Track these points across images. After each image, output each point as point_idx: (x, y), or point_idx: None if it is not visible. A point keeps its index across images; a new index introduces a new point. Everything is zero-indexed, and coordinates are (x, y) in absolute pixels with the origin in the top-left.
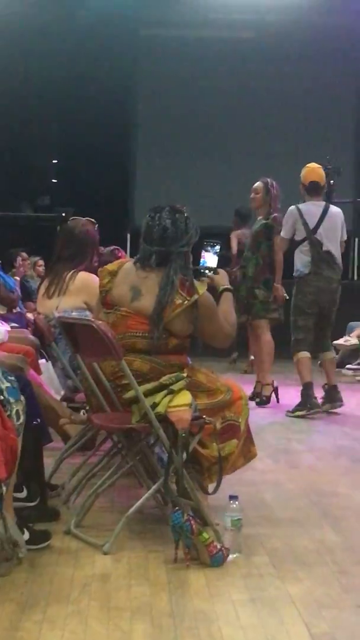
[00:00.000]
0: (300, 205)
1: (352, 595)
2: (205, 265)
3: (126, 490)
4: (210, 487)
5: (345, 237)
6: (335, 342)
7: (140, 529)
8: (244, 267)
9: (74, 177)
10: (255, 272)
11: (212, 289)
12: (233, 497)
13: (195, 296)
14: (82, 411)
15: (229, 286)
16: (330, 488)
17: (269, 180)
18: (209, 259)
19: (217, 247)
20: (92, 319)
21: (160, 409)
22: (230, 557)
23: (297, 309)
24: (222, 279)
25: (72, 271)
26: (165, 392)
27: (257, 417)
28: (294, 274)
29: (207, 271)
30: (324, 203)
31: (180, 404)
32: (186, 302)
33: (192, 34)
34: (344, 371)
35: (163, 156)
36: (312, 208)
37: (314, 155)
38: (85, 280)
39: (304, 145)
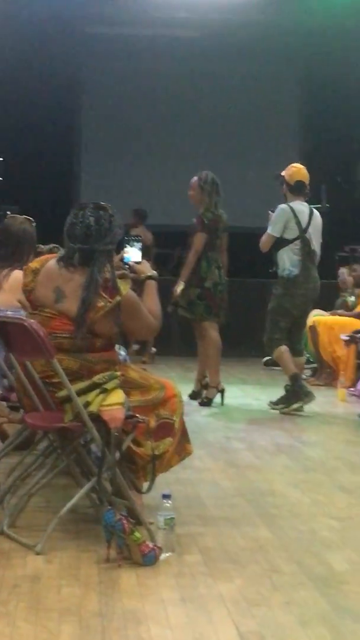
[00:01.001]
0: (292, 204)
1: (282, 592)
2: (130, 260)
3: (63, 489)
4: (145, 485)
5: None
6: None
7: (74, 529)
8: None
9: (19, 175)
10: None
11: (137, 281)
12: (166, 496)
13: (118, 298)
14: (21, 410)
15: (152, 273)
16: (267, 486)
17: (204, 174)
18: (133, 253)
19: (139, 244)
20: (24, 318)
21: (93, 407)
22: (163, 556)
23: (281, 310)
24: (145, 267)
25: (8, 269)
26: (98, 390)
27: (198, 416)
28: (281, 274)
29: (130, 263)
30: (306, 204)
31: (113, 403)
32: (108, 304)
33: (136, 32)
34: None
35: (108, 155)
36: (302, 208)
37: (260, 152)
38: (19, 279)
39: (248, 143)
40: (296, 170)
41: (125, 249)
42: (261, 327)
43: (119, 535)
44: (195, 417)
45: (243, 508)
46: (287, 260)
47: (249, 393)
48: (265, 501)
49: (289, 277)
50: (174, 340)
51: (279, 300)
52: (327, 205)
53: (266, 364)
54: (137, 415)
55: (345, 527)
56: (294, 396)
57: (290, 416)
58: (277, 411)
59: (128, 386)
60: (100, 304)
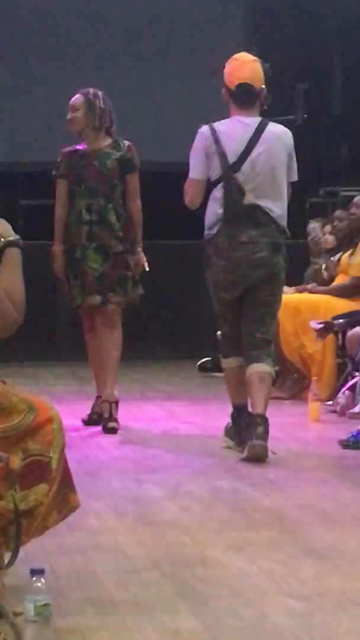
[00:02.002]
0: (218, 124)
1: None
2: None
3: None
4: (6, 557)
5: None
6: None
7: None
8: (84, 222)
9: None
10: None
11: None
12: (36, 572)
13: None
14: None
15: (14, 237)
16: (196, 553)
17: (91, 90)
18: None
19: None
20: None
21: None
22: None
23: (210, 291)
24: (3, 230)
25: None
26: None
27: (96, 449)
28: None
29: None
30: (255, 118)
31: None
32: None
33: None
34: None
35: None
36: (236, 127)
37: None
38: None
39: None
40: (237, 66)
41: None
42: (193, 314)
43: None
44: (89, 450)
45: (159, 586)
46: (208, 214)
47: (175, 413)
48: (192, 575)
49: (207, 240)
50: (61, 338)
51: (207, 277)
52: (304, 115)
53: (202, 367)
54: None
55: (310, 610)
56: (232, 432)
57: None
58: (217, 440)
59: None
60: None
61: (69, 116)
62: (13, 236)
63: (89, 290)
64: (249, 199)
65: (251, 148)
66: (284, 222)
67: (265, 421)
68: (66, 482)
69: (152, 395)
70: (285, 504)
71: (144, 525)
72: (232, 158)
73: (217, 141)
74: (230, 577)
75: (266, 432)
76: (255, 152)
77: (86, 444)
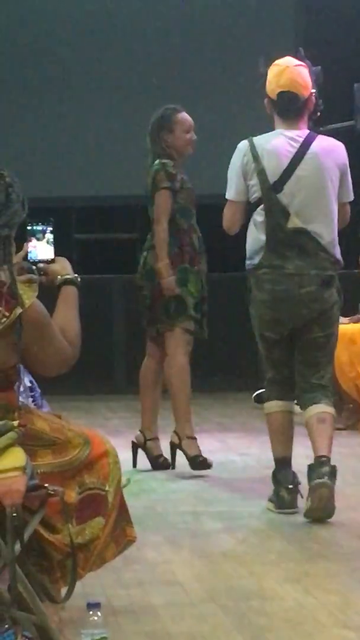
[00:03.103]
0: (258, 139)
1: None
2: (37, 259)
3: None
4: (63, 591)
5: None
6: None
7: None
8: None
9: None
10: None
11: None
12: (93, 605)
13: (18, 310)
14: None
15: (72, 276)
16: (253, 585)
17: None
18: (42, 249)
19: (49, 229)
20: None
21: None
22: None
23: (254, 328)
24: (62, 267)
25: None
26: None
27: (152, 483)
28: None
29: (40, 265)
30: (302, 131)
31: (8, 468)
32: (4, 319)
33: None
34: None
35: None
36: (277, 142)
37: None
38: None
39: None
40: (278, 72)
41: (31, 242)
42: (248, 345)
43: None
44: (146, 484)
45: (216, 619)
46: (249, 242)
47: (231, 445)
48: (249, 607)
49: (249, 270)
50: (116, 371)
51: (250, 313)
52: None
53: (258, 398)
54: (47, 485)
55: None
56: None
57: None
58: None
59: (33, 442)
60: None
61: (193, 136)
62: (71, 274)
63: (146, 322)
64: (295, 222)
65: (296, 165)
66: (335, 250)
67: (329, 462)
68: (123, 515)
69: (208, 427)
70: (342, 535)
71: (200, 557)
72: (273, 176)
73: (256, 157)
74: (287, 609)
75: (333, 474)
76: (300, 169)
77: (142, 477)
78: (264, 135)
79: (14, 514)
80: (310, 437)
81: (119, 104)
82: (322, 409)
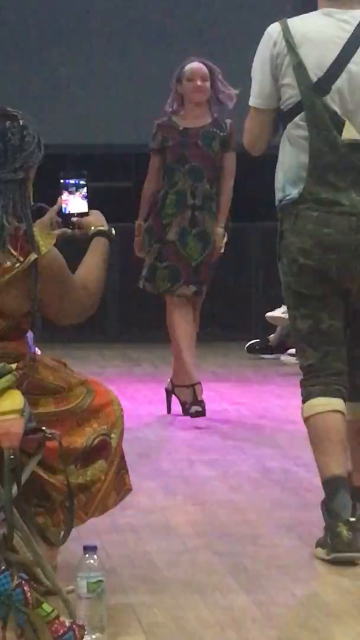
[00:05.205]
0: (294, 20)
1: None
2: (70, 212)
3: None
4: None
5: None
6: (269, 313)
7: None
8: (188, 205)
9: None
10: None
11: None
12: (89, 549)
13: (33, 256)
14: None
15: (105, 228)
16: (248, 532)
17: (205, 61)
18: (74, 203)
19: (83, 182)
20: None
21: None
22: (87, 638)
23: (284, 285)
24: (96, 220)
25: None
26: None
27: (146, 430)
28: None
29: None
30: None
31: (6, 411)
32: (18, 265)
33: None
34: (283, 358)
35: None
36: (323, 25)
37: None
38: None
39: None
40: None
41: (63, 196)
42: (243, 296)
43: (19, 608)
44: (139, 432)
45: (210, 565)
46: (282, 167)
47: (225, 395)
48: (244, 554)
49: (282, 207)
50: (110, 319)
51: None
52: None
53: (250, 349)
54: (44, 428)
55: None
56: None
57: (287, 427)
58: (267, 421)
59: (37, 392)
60: (7, 263)
61: (199, 83)
62: (105, 226)
63: (184, 280)
64: (351, 133)
65: (349, 56)
66: None
67: None
68: (122, 464)
69: (201, 377)
70: None
71: (194, 504)
72: (317, 72)
73: (291, 46)
74: (282, 556)
75: None
76: (354, 63)
77: (136, 426)
78: (303, 15)
79: (12, 456)
80: (353, 456)
81: (111, 52)
82: None
